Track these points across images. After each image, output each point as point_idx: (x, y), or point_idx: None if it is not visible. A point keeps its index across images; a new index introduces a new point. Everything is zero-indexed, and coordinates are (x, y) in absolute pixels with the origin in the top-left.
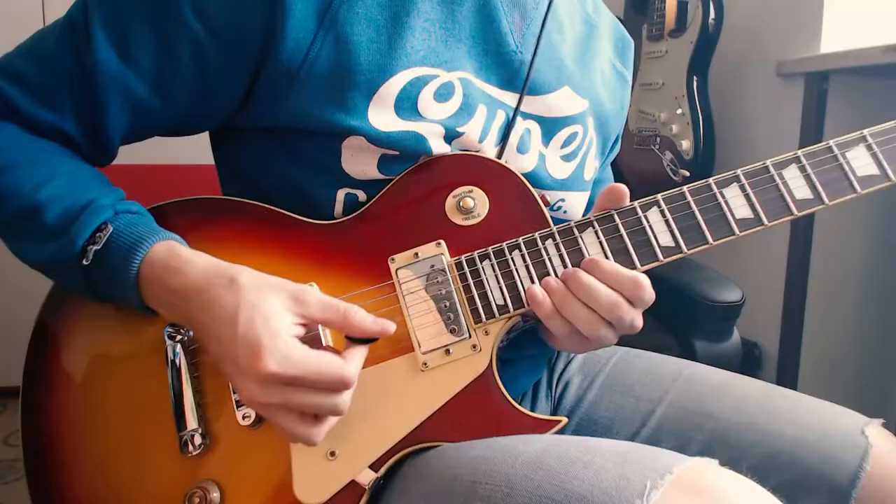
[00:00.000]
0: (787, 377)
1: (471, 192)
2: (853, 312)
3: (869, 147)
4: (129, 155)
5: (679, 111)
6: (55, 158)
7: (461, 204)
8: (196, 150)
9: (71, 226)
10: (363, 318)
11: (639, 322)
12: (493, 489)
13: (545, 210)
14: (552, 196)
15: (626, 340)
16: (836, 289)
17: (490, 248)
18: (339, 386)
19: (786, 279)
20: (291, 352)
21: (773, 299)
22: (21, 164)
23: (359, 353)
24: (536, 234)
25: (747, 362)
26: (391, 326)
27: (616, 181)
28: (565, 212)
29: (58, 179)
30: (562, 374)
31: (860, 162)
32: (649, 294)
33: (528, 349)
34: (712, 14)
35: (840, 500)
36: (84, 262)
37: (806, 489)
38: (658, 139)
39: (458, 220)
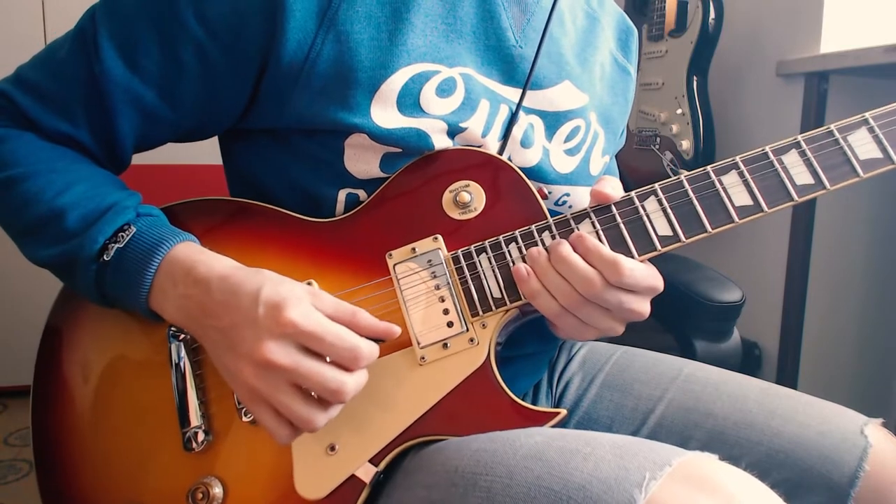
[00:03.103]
0: (787, 377)
1: (467, 186)
2: (853, 312)
3: (871, 130)
4: (135, 155)
5: (679, 111)
6: (74, 165)
7: (458, 198)
8: (199, 150)
9: (92, 226)
10: (370, 319)
11: (637, 306)
12: (494, 480)
13: (542, 203)
14: (557, 191)
15: (626, 340)
16: (836, 289)
17: (487, 241)
18: (352, 356)
19: (786, 279)
20: (314, 311)
21: (773, 299)
22: (41, 172)
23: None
24: (533, 227)
25: (747, 362)
26: (397, 329)
27: (619, 174)
28: (570, 206)
29: (78, 186)
30: (562, 373)
31: (862, 145)
32: (630, 277)
33: (528, 347)
34: (712, 14)
35: (839, 499)
36: (105, 258)
37: (805, 488)
38: (658, 139)
39: (454, 214)
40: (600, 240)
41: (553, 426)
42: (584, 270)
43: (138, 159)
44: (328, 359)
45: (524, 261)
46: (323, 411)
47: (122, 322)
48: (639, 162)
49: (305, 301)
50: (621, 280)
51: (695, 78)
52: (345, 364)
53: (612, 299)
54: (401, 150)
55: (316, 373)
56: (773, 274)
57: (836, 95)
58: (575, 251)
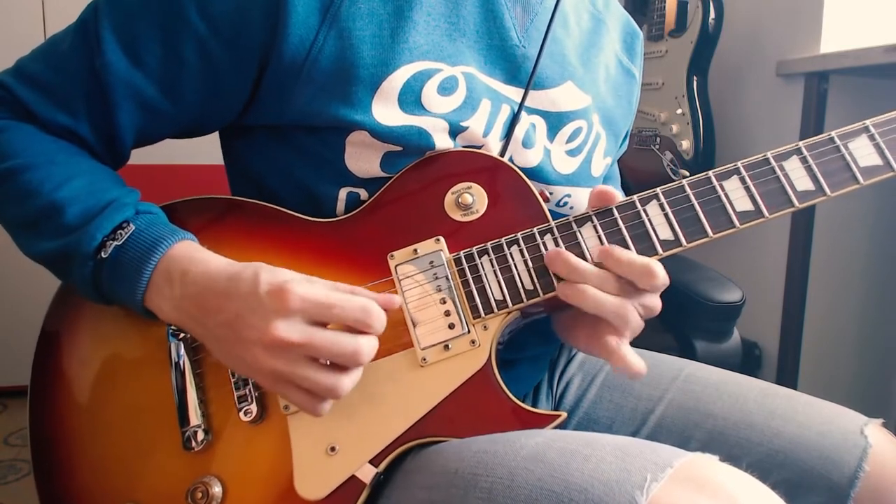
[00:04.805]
0: (787, 377)
1: (469, 188)
2: (853, 312)
3: (871, 137)
4: (134, 154)
5: (679, 111)
6: (74, 158)
7: (460, 200)
8: (199, 149)
9: (91, 221)
10: (368, 292)
11: (656, 303)
12: (495, 481)
13: (544, 205)
14: (558, 192)
15: None
16: (836, 289)
17: (489, 243)
18: (364, 314)
19: (786, 279)
20: (316, 282)
21: (773, 299)
22: (41, 164)
23: None
24: (535, 230)
25: (747, 362)
26: (396, 299)
27: (620, 179)
28: (572, 207)
29: (78, 179)
30: (562, 373)
31: (863, 152)
32: (662, 281)
33: (530, 349)
34: (712, 14)
35: (839, 500)
36: (102, 255)
37: (804, 488)
38: (658, 139)
39: (456, 216)
40: (602, 243)
41: (553, 428)
42: (599, 275)
43: (137, 159)
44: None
45: (526, 265)
46: (346, 375)
47: (120, 322)
48: (639, 162)
49: (304, 279)
50: (655, 284)
51: (695, 78)
52: (358, 325)
53: (637, 303)
54: (402, 149)
55: (330, 341)
56: (773, 274)
57: (836, 95)
58: (604, 265)
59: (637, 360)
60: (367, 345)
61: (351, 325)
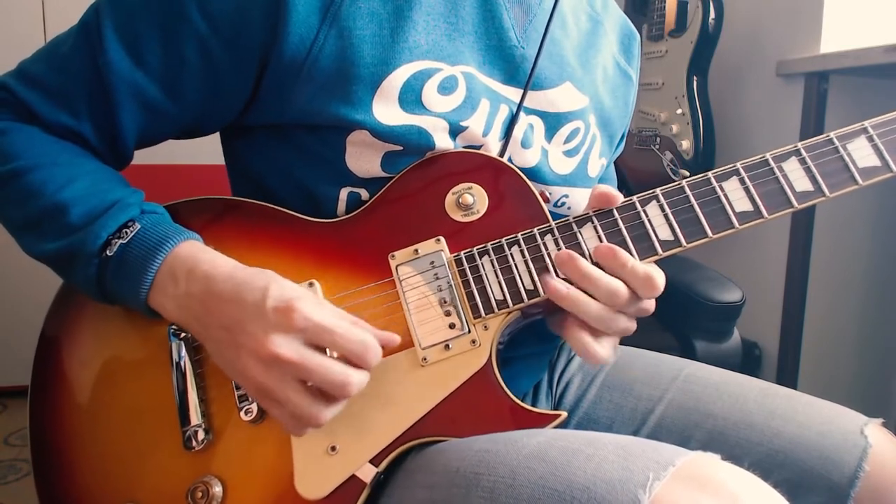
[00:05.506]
0: (787, 377)
1: (470, 188)
2: (853, 312)
3: (870, 138)
4: (135, 154)
5: (679, 111)
6: (77, 159)
7: (460, 200)
8: (200, 149)
9: (96, 221)
10: (370, 327)
11: (650, 306)
12: (497, 480)
13: (544, 206)
14: (556, 192)
15: (626, 340)
16: (836, 289)
17: (489, 243)
18: (363, 348)
19: (786, 279)
20: (324, 306)
21: (773, 299)
22: (44, 165)
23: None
24: (535, 230)
25: (747, 362)
26: (396, 338)
27: (616, 181)
28: (569, 208)
29: (81, 180)
30: (562, 373)
31: (861, 153)
32: (661, 290)
33: (529, 348)
34: (712, 14)
35: (838, 500)
36: (107, 254)
37: (805, 488)
38: (658, 139)
39: (457, 216)
40: (602, 243)
41: (553, 428)
42: (609, 285)
43: (139, 159)
44: (334, 355)
45: (526, 266)
46: (327, 407)
47: (120, 322)
48: (639, 162)
49: (313, 300)
50: (654, 294)
51: (695, 78)
52: (354, 358)
53: (632, 309)
54: (402, 149)
55: (322, 366)
56: (773, 274)
57: (836, 95)
58: (605, 265)
59: (606, 353)
60: (357, 379)
61: (346, 356)
